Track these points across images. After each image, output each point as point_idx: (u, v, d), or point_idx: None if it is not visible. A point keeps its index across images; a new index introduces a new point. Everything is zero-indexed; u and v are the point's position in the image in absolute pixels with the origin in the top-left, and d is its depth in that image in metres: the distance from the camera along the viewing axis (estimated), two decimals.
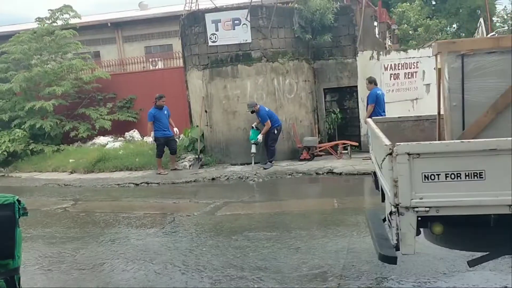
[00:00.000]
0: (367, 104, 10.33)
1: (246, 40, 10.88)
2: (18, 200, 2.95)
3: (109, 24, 21.99)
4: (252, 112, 10.46)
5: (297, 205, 7.75)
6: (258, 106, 10.49)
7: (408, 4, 29.22)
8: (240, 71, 10.99)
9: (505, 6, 46.93)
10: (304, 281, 4.53)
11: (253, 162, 10.61)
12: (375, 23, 15.72)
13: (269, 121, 10.41)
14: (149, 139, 14.30)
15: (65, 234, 6.92)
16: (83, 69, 15.08)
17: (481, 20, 13.27)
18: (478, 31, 12.85)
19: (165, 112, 10.88)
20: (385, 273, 4.55)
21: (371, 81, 10.43)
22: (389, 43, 21.72)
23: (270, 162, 10.62)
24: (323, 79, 11.90)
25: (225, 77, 11.08)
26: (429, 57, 11.42)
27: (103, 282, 4.98)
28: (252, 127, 10.64)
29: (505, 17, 44.31)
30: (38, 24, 15.13)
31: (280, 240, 5.76)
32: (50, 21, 15.02)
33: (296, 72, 11.37)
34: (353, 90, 11.64)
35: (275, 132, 10.60)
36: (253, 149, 10.59)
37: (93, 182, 10.84)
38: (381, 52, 11.55)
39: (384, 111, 10.35)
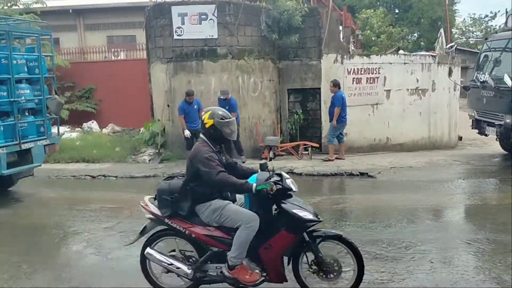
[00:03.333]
0: (333, 106, 10.46)
1: (212, 36, 10.80)
2: None
3: (70, 11, 21.31)
4: (224, 99, 10.34)
5: None
6: (230, 95, 10.48)
7: (372, 10, 29.87)
8: (205, 66, 10.91)
9: (464, 19, 48.77)
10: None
11: None
12: (340, 27, 15.97)
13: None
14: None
15: (16, 225, 6.67)
16: None
17: (442, 30, 13.71)
18: (438, 41, 13.27)
19: (195, 106, 10.38)
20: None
21: (336, 84, 10.58)
22: (353, 48, 22.14)
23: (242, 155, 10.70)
24: (287, 79, 11.98)
25: (189, 71, 10.97)
26: (390, 63, 11.72)
27: (54, 275, 4.82)
28: None
29: (463, 29, 46.06)
30: None
31: None
32: (10, 4, 14.41)
33: (261, 71, 11.39)
34: (316, 91, 11.76)
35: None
36: None
37: (47, 173, 10.44)
38: (345, 56, 11.72)
39: (346, 114, 10.55)
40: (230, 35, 10.90)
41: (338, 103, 10.37)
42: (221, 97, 10.36)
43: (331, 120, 10.64)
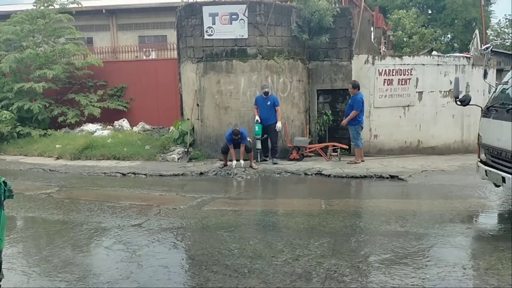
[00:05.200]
0: (351, 108, 10.32)
1: (243, 36, 10.83)
2: (4, 182, 2.86)
3: (104, 11, 21.76)
4: (266, 94, 10.38)
5: (284, 205, 7.72)
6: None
7: (405, 11, 29.38)
8: (235, 66, 10.93)
9: (499, 20, 47.37)
10: (288, 281, 4.49)
11: (259, 158, 10.62)
12: (372, 28, 15.77)
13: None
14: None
15: (48, 220, 6.82)
16: (75, 54, 14.89)
17: (477, 31, 13.37)
18: (473, 42, 12.96)
19: (239, 140, 10.06)
20: (371, 277, 4.54)
21: (356, 86, 10.45)
22: (384, 49, 21.84)
23: (276, 158, 10.69)
24: (317, 80, 11.90)
25: (219, 71, 11.01)
26: (423, 65, 11.49)
27: (84, 270, 4.89)
28: (257, 122, 10.50)
29: (499, 30, 44.82)
30: (34, 6, 14.91)
31: (265, 239, 5.72)
32: (47, 4, 14.80)
33: (291, 71, 11.34)
34: (346, 93, 11.62)
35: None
36: (258, 144, 10.56)
37: (79, 169, 10.70)
38: (376, 57, 11.57)
39: (363, 116, 10.50)
40: (260, 35, 10.90)
41: (358, 107, 10.22)
42: (267, 90, 10.37)
43: (348, 122, 10.53)
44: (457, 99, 7.04)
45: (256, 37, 10.88)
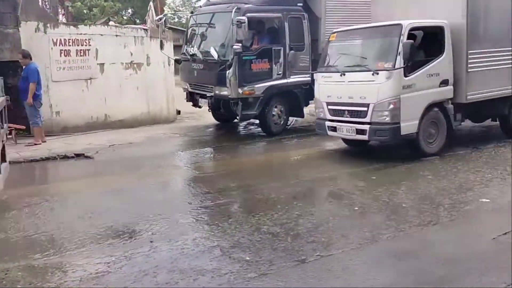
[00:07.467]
0: (26, 81, 9.13)
1: None
2: None
3: None
4: None
5: None
6: None
7: None
8: None
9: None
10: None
11: None
12: None
13: None
14: None
15: None
16: None
17: (151, 3, 13.71)
18: (148, 15, 13.22)
19: None
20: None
21: (26, 55, 9.29)
22: (64, 21, 20.39)
23: None
24: None
25: None
26: (101, 35, 10.98)
27: None
28: None
29: (175, 9, 48.42)
30: None
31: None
32: None
33: None
34: (17, 65, 10.04)
35: None
36: None
37: None
38: (48, 25, 10.37)
39: (41, 90, 9.40)
40: None
41: (34, 77, 9.11)
42: None
43: (22, 97, 9.29)
44: None
45: None
